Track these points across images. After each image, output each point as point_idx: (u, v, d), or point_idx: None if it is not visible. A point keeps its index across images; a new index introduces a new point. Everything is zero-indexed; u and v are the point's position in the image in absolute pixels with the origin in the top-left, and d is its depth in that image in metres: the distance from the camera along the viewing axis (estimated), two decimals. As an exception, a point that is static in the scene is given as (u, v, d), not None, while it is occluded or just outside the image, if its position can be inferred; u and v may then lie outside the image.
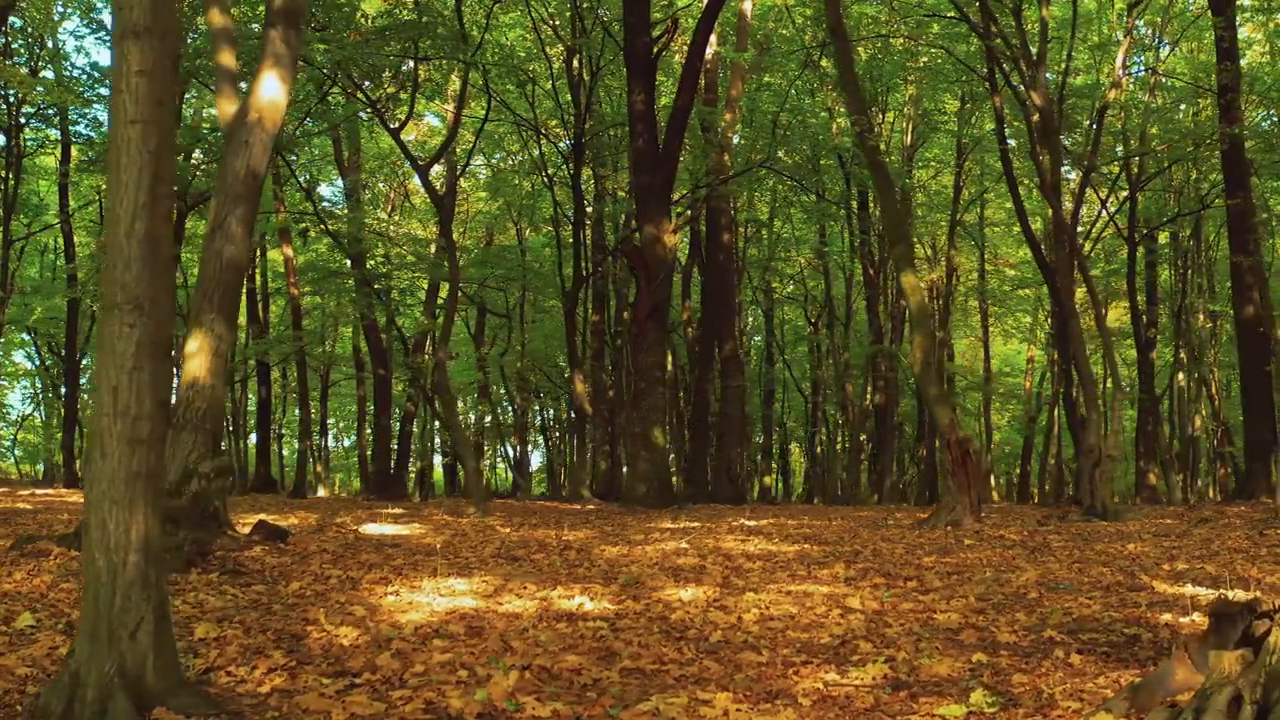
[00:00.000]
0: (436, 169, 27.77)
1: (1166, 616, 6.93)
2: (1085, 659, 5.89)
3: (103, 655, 4.53)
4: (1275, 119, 25.07)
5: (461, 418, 39.20)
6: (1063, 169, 21.85)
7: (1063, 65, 20.45)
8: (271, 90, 10.44)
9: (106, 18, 23.59)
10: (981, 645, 6.34)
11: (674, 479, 23.83)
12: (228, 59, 11.16)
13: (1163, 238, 29.50)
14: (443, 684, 5.24)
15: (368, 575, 8.59)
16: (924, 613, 7.33)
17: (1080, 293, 23.93)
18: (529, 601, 7.63)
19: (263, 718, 4.72)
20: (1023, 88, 18.43)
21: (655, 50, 20.49)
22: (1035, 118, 17.63)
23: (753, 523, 14.50)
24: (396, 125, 20.60)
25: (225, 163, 10.47)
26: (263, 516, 12.11)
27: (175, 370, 9.38)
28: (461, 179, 30.30)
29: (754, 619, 7.06)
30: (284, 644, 6.08)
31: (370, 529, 12.71)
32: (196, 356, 9.91)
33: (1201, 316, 30.83)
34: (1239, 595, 4.95)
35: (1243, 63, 24.59)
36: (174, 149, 4.98)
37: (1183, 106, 26.89)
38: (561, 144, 27.33)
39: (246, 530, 10.51)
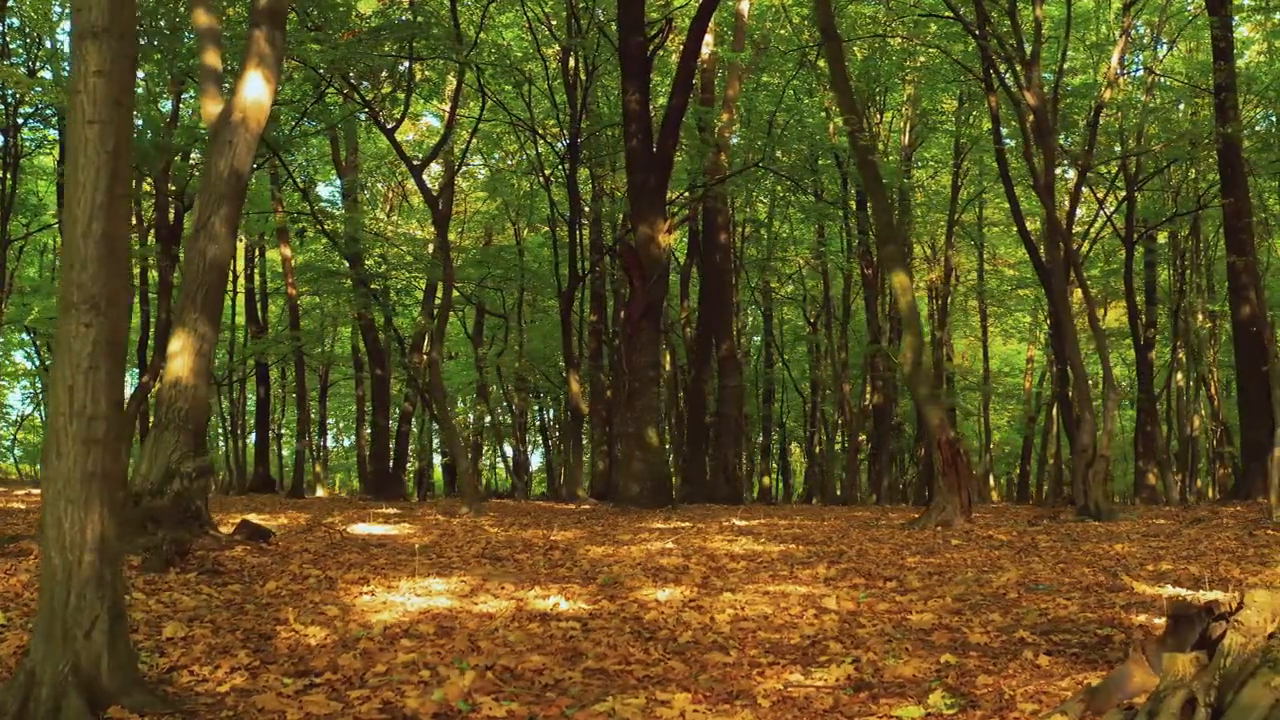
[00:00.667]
0: (434, 169, 27.76)
1: (1141, 617, 6.90)
2: (1054, 660, 5.87)
3: (57, 654, 4.53)
4: (1273, 119, 24.98)
5: (460, 418, 39.25)
6: (1060, 169, 21.80)
7: (1058, 65, 20.38)
8: (255, 90, 10.45)
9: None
10: (952, 646, 6.32)
11: (672, 479, 23.79)
12: (213, 59, 11.18)
13: (1161, 237, 29.41)
14: (403, 684, 5.23)
15: (346, 575, 8.58)
16: (899, 613, 7.31)
17: (1077, 293, 23.88)
18: (504, 602, 7.61)
19: (217, 717, 4.72)
20: (1016, 88, 18.38)
21: (650, 50, 20.46)
22: (1030, 118, 17.58)
23: (743, 523, 14.48)
24: (392, 125, 20.59)
25: (209, 162, 10.49)
26: (247, 516, 12.12)
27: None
28: (459, 178, 30.29)
29: (727, 619, 7.04)
30: (251, 644, 6.07)
31: (359, 529, 12.70)
32: (179, 356, 9.94)
33: (1200, 316, 30.74)
34: (1199, 597, 4.93)
35: (1241, 62, 24.50)
36: (131, 149, 4.97)
37: (1181, 106, 26.80)
38: (558, 144, 27.31)
39: (231, 530, 10.52)
